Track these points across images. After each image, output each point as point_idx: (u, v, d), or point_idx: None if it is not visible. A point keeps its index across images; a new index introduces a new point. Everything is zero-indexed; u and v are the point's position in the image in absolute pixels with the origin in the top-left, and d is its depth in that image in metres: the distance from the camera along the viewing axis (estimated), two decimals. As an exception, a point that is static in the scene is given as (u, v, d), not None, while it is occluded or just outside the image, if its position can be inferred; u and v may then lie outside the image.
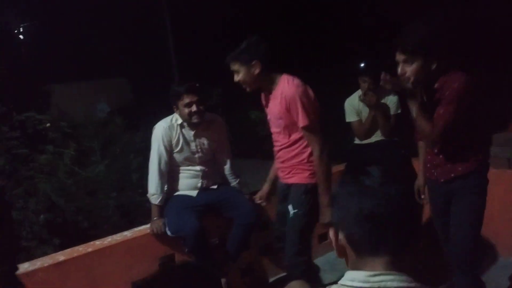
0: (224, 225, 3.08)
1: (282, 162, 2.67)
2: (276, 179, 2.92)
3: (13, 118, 4.77)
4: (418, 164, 3.96)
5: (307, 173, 2.56)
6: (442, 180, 2.26)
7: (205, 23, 11.75)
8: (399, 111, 3.88)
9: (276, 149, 2.73)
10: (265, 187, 3.04)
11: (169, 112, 3.10)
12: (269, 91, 2.61)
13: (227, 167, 3.20)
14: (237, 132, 5.57)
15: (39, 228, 3.63)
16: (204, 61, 10.46)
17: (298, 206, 2.58)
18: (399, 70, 2.09)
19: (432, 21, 2.04)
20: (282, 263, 3.50)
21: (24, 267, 2.58)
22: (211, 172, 3.15)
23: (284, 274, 3.50)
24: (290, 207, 2.59)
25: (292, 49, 10.00)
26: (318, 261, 3.59)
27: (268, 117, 2.71)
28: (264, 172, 3.15)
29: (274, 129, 2.67)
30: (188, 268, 1.21)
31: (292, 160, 2.60)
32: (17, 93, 9.22)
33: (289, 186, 2.66)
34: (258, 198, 3.06)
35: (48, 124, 4.70)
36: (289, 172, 2.64)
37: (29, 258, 3.04)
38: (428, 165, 2.37)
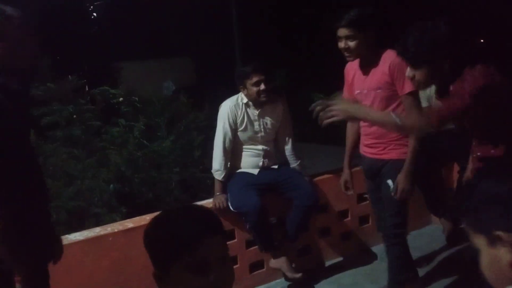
0: (283, 205, 3.12)
1: (376, 138, 2.61)
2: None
3: (89, 92, 5.04)
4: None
5: (405, 148, 2.51)
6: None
7: (270, 6, 11.73)
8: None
9: (365, 125, 2.66)
10: (347, 172, 2.97)
11: (231, 92, 3.18)
12: (369, 64, 2.53)
13: (288, 148, 3.22)
14: (299, 115, 5.57)
15: (109, 196, 3.85)
16: (267, 43, 10.47)
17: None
18: (407, 73, 2.02)
19: (431, 27, 1.89)
20: (339, 247, 3.52)
21: (95, 231, 2.77)
22: (273, 151, 3.19)
23: (340, 259, 3.51)
24: (389, 182, 2.56)
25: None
26: (375, 249, 3.54)
27: (357, 91, 2.62)
28: (323, 156, 3.14)
29: (365, 102, 2.56)
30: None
31: (389, 135, 2.54)
32: (91, 69, 9.73)
33: (384, 162, 2.60)
34: (344, 186, 2.99)
35: (121, 99, 4.92)
36: (384, 148, 2.59)
37: (99, 224, 3.26)
38: None
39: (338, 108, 1.99)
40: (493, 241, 0.88)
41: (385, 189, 2.59)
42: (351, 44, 2.43)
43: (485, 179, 0.95)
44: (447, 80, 1.95)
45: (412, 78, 1.99)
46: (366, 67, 2.55)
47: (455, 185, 3.83)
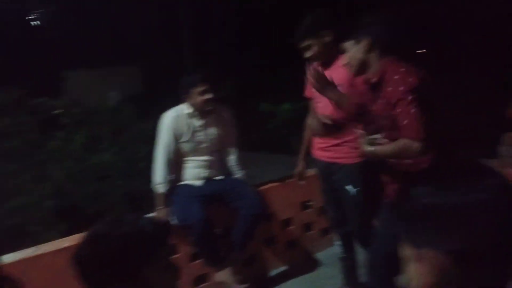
0: (229, 215, 3.10)
1: (329, 141, 2.65)
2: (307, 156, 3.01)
3: (26, 103, 4.83)
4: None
5: (356, 152, 2.44)
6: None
7: (219, 14, 11.75)
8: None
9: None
10: (302, 164, 3.08)
11: (179, 102, 3.12)
12: (329, 63, 2.60)
13: (233, 158, 3.21)
14: (246, 124, 5.59)
15: (46, 213, 3.68)
16: (216, 53, 10.47)
17: (358, 184, 2.58)
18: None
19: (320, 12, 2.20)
20: (284, 256, 3.54)
21: (29, 252, 2.63)
22: (217, 162, 3.17)
23: (285, 268, 3.53)
24: (349, 188, 2.59)
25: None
26: (320, 255, 3.61)
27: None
28: (270, 165, 3.16)
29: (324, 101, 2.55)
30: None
31: (343, 138, 2.59)
32: (32, 78, 9.34)
33: (339, 166, 2.63)
34: (297, 177, 3.10)
35: (60, 110, 4.75)
36: (338, 152, 2.63)
37: (38, 243, 3.10)
38: None
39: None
40: (420, 256, 0.87)
41: (345, 195, 2.63)
42: (311, 53, 2.53)
43: (418, 189, 0.91)
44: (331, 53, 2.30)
45: (310, 57, 2.34)
46: (327, 66, 2.60)
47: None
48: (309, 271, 3.43)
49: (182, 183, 3.09)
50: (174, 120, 3.02)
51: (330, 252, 3.68)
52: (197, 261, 3.10)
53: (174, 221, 2.89)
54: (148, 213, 3.13)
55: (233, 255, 3.05)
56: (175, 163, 3.06)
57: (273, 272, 3.51)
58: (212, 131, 3.11)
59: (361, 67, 2.02)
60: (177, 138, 3.03)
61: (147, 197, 4.28)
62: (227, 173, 3.23)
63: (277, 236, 3.53)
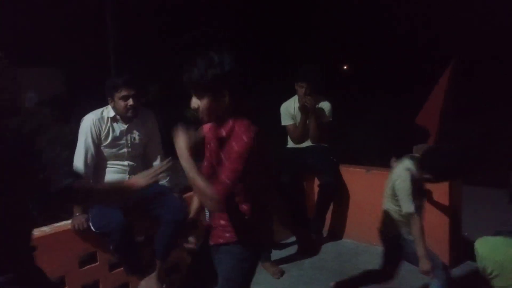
0: (150, 222, 3.01)
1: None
2: None
3: None
4: (344, 170, 4.17)
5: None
6: (211, 244, 2.10)
7: (146, 16, 11.51)
8: (330, 119, 4.04)
9: None
10: None
11: (103, 105, 3.00)
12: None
13: (157, 164, 3.13)
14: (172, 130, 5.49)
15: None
16: (142, 56, 10.23)
17: None
18: (191, 103, 1.93)
19: (217, 62, 1.85)
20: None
21: None
22: (140, 168, 3.07)
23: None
24: None
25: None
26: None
27: None
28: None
29: None
30: None
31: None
32: None
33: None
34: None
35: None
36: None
37: None
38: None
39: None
40: None
41: None
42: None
43: None
44: (226, 113, 1.90)
45: (197, 109, 1.91)
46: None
47: (315, 198, 4.12)
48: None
49: (103, 188, 2.95)
50: (94, 123, 2.90)
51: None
52: (117, 270, 2.96)
53: (92, 228, 2.75)
54: (65, 220, 2.97)
55: (156, 263, 2.97)
56: (95, 168, 2.93)
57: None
58: (135, 136, 3.02)
59: (211, 114, 1.93)
60: (97, 142, 2.91)
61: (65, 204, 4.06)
62: (151, 178, 3.14)
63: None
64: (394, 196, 2.63)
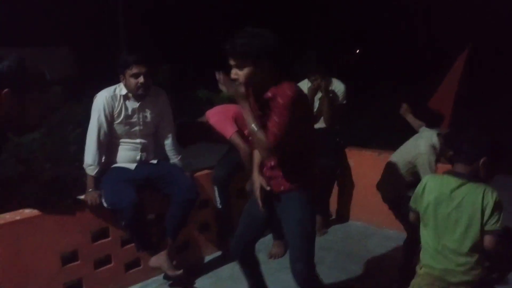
0: (161, 201, 3.05)
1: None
2: None
3: None
4: (349, 152, 4.17)
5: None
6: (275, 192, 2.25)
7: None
8: (344, 102, 4.02)
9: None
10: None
11: (113, 84, 3.00)
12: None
13: (168, 143, 3.15)
14: (184, 111, 5.50)
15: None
16: (154, 36, 10.21)
17: None
18: (232, 73, 2.07)
19: (262, 32, 2.02)
20: (218, 241, 3.55)
21: None
22: (151, 146, 3.10)
23: (219, 253, 3.54)
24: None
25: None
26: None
27: None
28: (208, 154, 3.13)
29: None
30: None
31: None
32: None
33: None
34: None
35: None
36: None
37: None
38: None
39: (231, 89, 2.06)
40: None
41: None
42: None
43: None
44: (265, 84, 2.06)
45: (235, 79, 2.06)
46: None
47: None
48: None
49: (115, 165, 2.98)
50: (107, 100, 2.91)
51: (265, 239, 3.74)
52: (129, 246, 3.01)
53: (104, 204, 2.79)
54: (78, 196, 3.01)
55: (167, 241, 3.01)
56: (108, 145, 2.96)
57: (208, 258, 3.50)
58: (147, 114, 3.03)
59: (250, 85, 2.09)
60: (110, 119, 2.92)
61: (78, 182, 4.10)
62: (162, 157, 3.17)
63: (212, 222, 3.52)
64: (410, 163, 2.79)
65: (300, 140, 2.13)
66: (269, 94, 2.05)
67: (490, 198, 1.87)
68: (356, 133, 6.06)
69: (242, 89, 2.05)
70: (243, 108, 2.08)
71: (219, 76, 2.10)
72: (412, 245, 2.76)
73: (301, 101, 2.06)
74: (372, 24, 12.24)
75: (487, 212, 1.87)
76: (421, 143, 2.78)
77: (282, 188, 2.21)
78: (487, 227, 1.87)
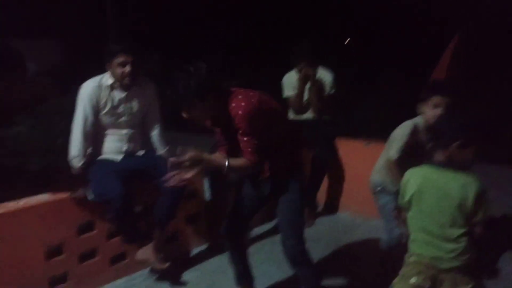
0: (150, 192, 3.02)
1: None
2: None
3: None
4: (337, 142, 4.16)
5: None
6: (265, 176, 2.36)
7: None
8: (332, 91, 4.00)
9: None
10: None
11: (101, 74, 2.96)
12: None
13: (155, 134, 3.11)
14: (172, 103, 5.44)
15: None
16: (143, 25, 10.10)
17: None
18: (182, 114, 2.17)
19: (193, 72, 2.08)
20: (206, 234, 3.54)
21: None
22: (138, 137, 3.06)
23: (206, 245, 3.53)
24: None
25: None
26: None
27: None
28: (197, 145, 3.08)
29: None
30: None
31: None
32: None
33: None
34: None
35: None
36: None
37: None
38: None
39: (188, 158, 2.10)
40: None
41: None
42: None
43: None
44: (215, 111, 2.16)
45: (188, 118, 2.16)
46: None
47: (309, 171, 4.10)
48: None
49: (101, 157, 2.94)
50: (93, 90, 2.86)
51: (254, 231, 3.74)
52: (115, 239, 2.99)
53: (91, 196, 2.76)
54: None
55: (154, 233, 2.98)
56: (94, 136, 2.91)
57: (195, 250, 3.49)
58: (134, 104, 2.99)
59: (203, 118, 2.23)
60: (96, 109, 2.88)
61: (65, 174, 4.06)
62: (150, 148, 3.13)
63: (200, 214, 3.50)
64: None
65: (277, 139, 2.25)
66: (224, 120, 2.15)
67: (470, 190, 1.85)
68: (355, 123, 6.04)
69: (192, 154, 2.10)
70: (207, 163, 2.15)
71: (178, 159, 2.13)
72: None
73: (257, 112, 2.10)
74: (373, 13, 12.16)
75: (468, 203, 1.85)
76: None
77: (267, 174, 2.32)
78: (473, 219, 1.87)
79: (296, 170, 2.37)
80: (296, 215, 2.34)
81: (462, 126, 1.91)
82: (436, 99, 2.48)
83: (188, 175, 2.14)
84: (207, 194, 3.37)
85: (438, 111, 2.46)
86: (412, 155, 2.53)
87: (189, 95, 2.06)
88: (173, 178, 2.14)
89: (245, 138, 2.12)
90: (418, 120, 2.60)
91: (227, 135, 2.29)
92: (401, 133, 2.59)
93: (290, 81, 4.02)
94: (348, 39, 13.95)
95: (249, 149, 2.12)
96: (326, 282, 2.80)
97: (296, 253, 2.33)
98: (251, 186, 2.46)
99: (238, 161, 2.16)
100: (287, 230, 2.33)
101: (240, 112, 2.06)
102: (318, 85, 3.90)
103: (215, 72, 2.14)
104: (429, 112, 2.51)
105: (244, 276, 2.70)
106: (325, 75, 3.98)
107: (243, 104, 2.08)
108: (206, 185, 3.38)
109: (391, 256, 2.76)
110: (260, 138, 2.13)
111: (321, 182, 4.14)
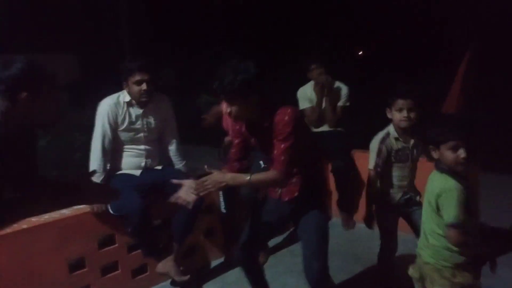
0: (167, 206, 3.05)
1: None
2: None
3: None
4: (354, 154, 4.17)
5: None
6: (286, 199, 2.32)
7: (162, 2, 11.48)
8: (347, 104, 4.02)
9: None
10: None
11: (118, 90, 3.02)
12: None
13: (172, 149, 3.16)
14: (188, 116, 5.49)
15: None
16: (158, 41, 10.25)
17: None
18: (224, 107, 2.20)
19: (245, 67, 2.07)
20: (223, 246, 3.55)
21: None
22: (156, 152, 3.11)
23: (226, 258, 3.54)
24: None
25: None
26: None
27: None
28: (212, 160, 3.13)
29: None
30: None
31: None
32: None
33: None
34: None
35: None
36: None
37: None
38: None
39: (210, 182, 2.13)
40: None
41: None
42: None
43: None
44: (258, 114, 2.16)
45: (230, 113, 2.16)
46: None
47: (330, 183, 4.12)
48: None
49: (120, 172, 3.00)
50: (111, 107, 2.93)
51: (271, 242, 3.74)
52: (136, 252, 3.02)
53: (110, 211, 2.80)
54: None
55: (173, 247, 3.01)
56: (113, 152, 2.97)
57: (214, 262, 3.51)
58: (151, 120, 3.05)
59: (243, 117, 2.21)
60: (114, 126, 2.94)
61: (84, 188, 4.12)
62: (167, 163, 3.18)
63: (217, 227, 3.53)
64: None
65: (306, 154, 2.22)
66: (265, 123, 2.15)
67: (435, 189, 1.87)
68: (366, 133, 6.01)
69: (214, 175, 2.15)
70: (229, 181, 2.15)
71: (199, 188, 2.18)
72: (385, 252, 2.79)
73: (299, 121, 2.15)
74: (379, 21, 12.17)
75: (432, 202, 1.89)
76: None
77: (296, 194, 2.28)
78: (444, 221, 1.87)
79: (321, 189, 2.36)
80: (321, 237, 2.28)
81: (451, 127, 1.88)
82: (399, 102, 2.51)
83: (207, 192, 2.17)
84: (222, 206, 3.40)
85: (404, 114, 2.49)
86: (399, 162, 2.58)
87: (233, 90, 2.06)
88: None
89: (282, 145, 2.10)
90: (390, 127, 2.61)
91: (261, 143, 2.26)
92: (374, 143, 2.62)
93: (305, 94, 4.05)
94: (360, 52, 13.96)
95: (283, 158, 2.10)
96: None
97: (319, 277, 2.26)
98: (273, 205, 2.41)
99: (263, 175, 2.17)
100: (312, 252, 2.26)
101: (286, 118, 2.08)
102: (334, 96, 3.93)
103: (263, 74, 2.13)
104: (396, 115, 2.53)
105: None
106: (341, 87, 4.01)
107: (289, 111, 2.10)
108: (221, 197, 3.41)
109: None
110: (296, 148, 2.11)
111: (346, 190, 4.12)
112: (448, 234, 1.84)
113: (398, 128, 2.56)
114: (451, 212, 1.82)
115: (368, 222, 2.74)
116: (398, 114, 2.51)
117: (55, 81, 1.73)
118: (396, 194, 2.62)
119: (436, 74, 7.91)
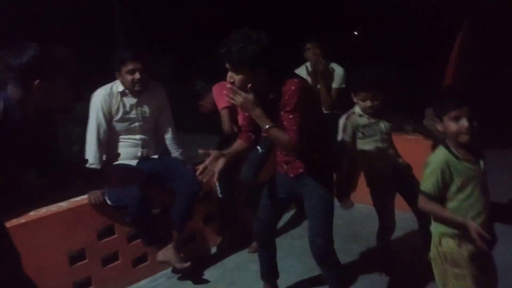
0: (166, 195, 3.06)
1: None
2: None
3: None
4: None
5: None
6: (291, 175, 2.34)
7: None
8: (343, 86, 3.98)
9: None
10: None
11: (112, 80, 3.00)
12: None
13: (168, 137, 3.16)
14: (184, 104, 5.47)
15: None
16: (152, 28, 10.14)
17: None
18: (228, 77, 2.10)
19: (257, 37, 2.01)
20: (224, 232, 3.57)
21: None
22: (152, 141, 3.10)
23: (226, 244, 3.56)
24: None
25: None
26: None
27: None
28: (209, 146, 3.11)
29: None
30: None
31: None
32: None
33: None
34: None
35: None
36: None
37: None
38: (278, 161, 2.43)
39: (245, 99, 2.08)
40: None
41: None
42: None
43: None
44: (262, 87, 2.11)
45: (232, 82, 2.10)
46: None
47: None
48: (247, 246, 3.46)
49: (116, 163, 2.98)
50: (104, 98, 2.91)
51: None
52: (135, 242, 3.04)
53: (108, 202, 2.81)
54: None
55: (173, 234, 3.03)
56: (108, 143, 2.96)
57: (213, 249, 3.53)
58: (146, 109, 3.03)
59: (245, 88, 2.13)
60: (108, 117, 2.93)
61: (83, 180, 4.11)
62: (163, 152, 3.17)
63: (215, 213, 3.54)
64: None
65: (314, 126, 2.18)
66: (271, 95, 2.10)
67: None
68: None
69: (251, 97, 2.08)
70: (255, 114, 2.12)
71: (230, 89, 2.12)
72: (384, 231, 2.88)
73: (307, 90, 2.12)
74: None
75: None
76: None
77: (300, 170, 2.29)
78: None
79: (327, 167, 2.35)
80: (325, 213, 2.31)
81: (451, 97, 1.87)
82: (362, 94, 2.67)
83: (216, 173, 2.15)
84: (218, 191, 3.39)
85: (368, 104, 2.66)
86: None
87: (241, 60, 1.99)
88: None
89: (290, 116, 2.04)
90: (356, 107, 2.79)
91: (268, 115, 2.16)
92: (341, 120, 2.92)
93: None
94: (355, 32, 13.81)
95: (294, 128, 2.04)
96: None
97: (324, 252, 2.32)
98: (282, 180, 2.42)
99: (281, 133, 2.08)
100: (317, 228, 2.31)
101: (293, 87, 2.02)
102: (328, 76, 3.88)
103: (275, 47, 2.07)
104: (360, 104, 2.71)
105: (271, 273, 2.74)
106: (336, 69, 3.96)
107: (296, 80, 2.05)
108: (217, 182, 3.41)
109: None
110: (305, 119, 2.06)
111: (343, 169, 4.13)
112: (419, 199, 1.91)
113: (364, 112, 2.74)
114: (424, 180, 1.87)
115: (338, 196, 2.96)
116: (362, 103, 2.69)
117: (67, 67, 1.72)
118: (382, 162, 2.79)
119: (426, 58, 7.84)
